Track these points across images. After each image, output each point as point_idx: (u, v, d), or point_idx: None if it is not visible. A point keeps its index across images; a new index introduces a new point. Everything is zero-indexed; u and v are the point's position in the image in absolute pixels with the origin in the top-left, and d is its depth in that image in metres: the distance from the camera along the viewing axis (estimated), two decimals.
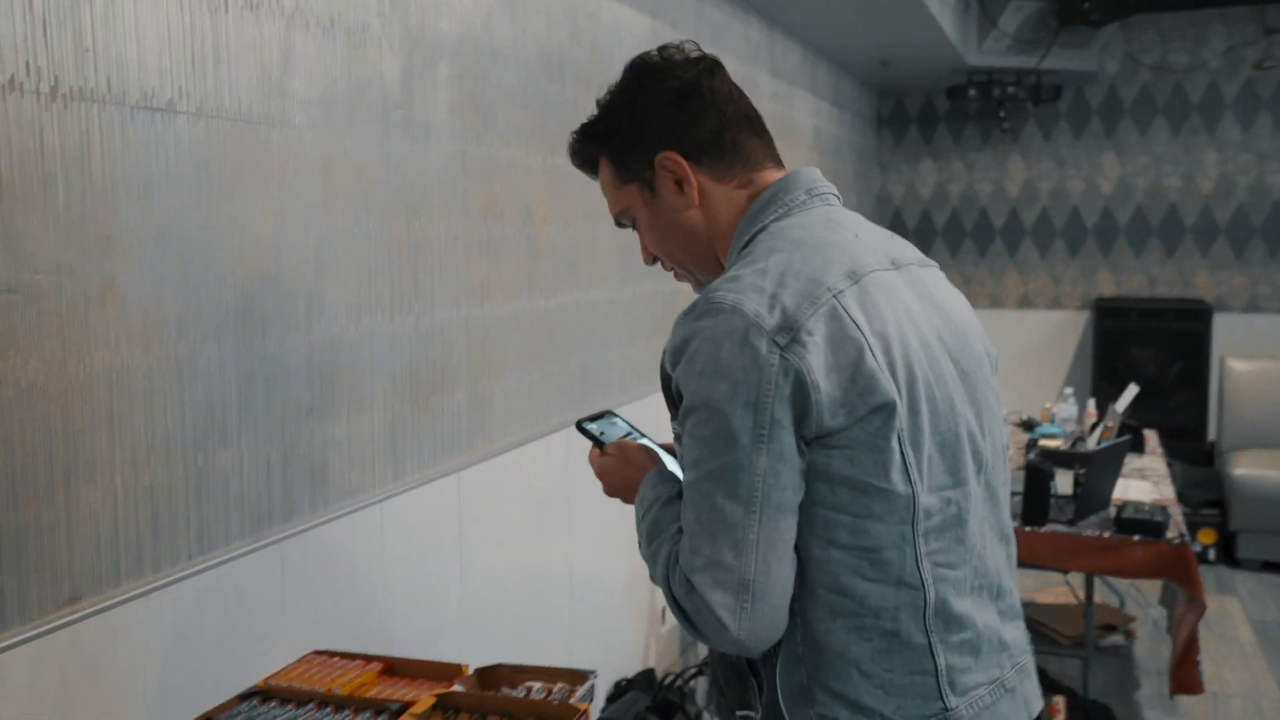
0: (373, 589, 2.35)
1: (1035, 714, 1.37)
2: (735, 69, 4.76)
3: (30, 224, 1.56)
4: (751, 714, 1.35)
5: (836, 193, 1.43)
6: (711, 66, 1.41)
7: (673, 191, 1.40)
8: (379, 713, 1.90)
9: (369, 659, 2.11)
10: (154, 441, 1.80)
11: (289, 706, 1.93)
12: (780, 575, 1.21)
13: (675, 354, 1.27)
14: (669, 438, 1.45)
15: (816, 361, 1.21)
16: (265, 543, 2.05)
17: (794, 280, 1.25)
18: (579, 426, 1.55)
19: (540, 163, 3.08)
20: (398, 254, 2.42)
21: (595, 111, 1.45)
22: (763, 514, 1.19)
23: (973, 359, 1.37)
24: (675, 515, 1.31)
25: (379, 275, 2.35)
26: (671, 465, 1.50)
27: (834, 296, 1.25)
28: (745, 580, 1.19)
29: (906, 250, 1.41)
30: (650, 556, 1.32)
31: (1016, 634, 1.38)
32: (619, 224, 1.49)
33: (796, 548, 1.24)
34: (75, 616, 1.65)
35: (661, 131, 1.38)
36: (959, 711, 1.27)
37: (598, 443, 1.52)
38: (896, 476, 1.23)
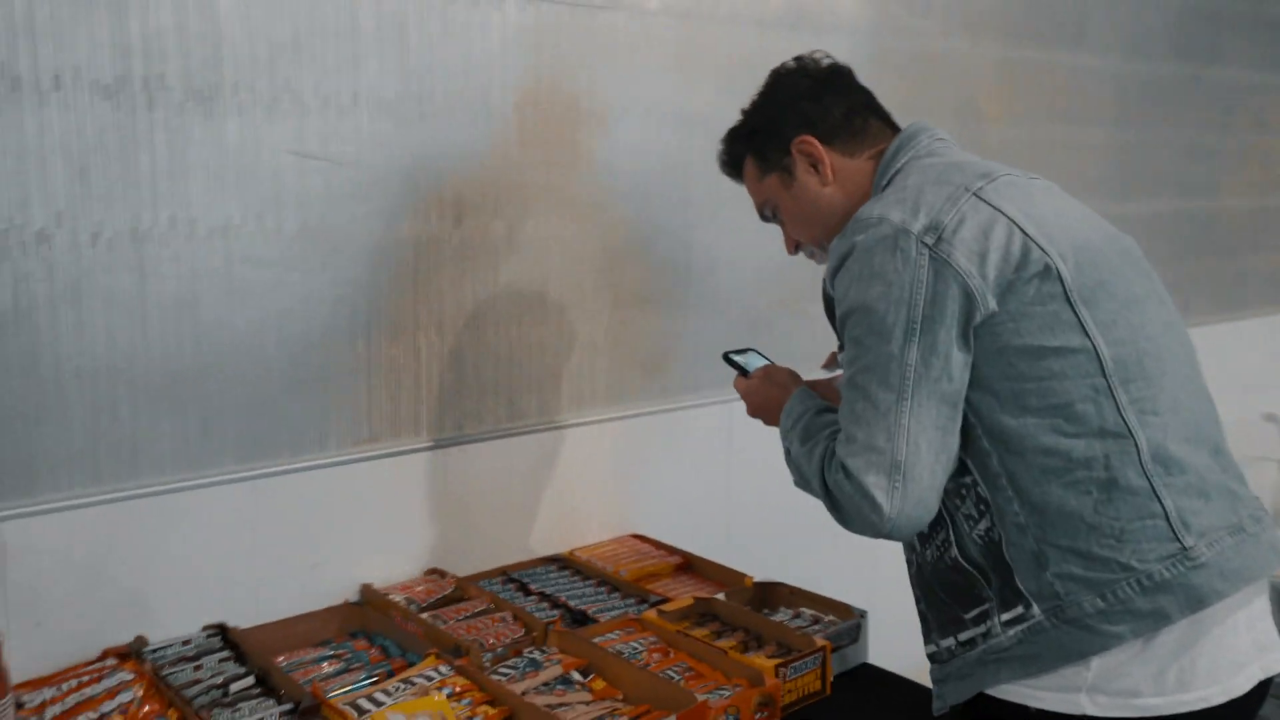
0: (713, 487, 2.34)
1: None
2: None
3: (337, 98, 1.75)
4: (986, 606, 1.36)
5: (951, 137, 1.51)
6: (839, 67, 1.57)
7: (809, 173, 1.51)
8: (641, 601, 1.91)
9: (673, 551, 2.13)
10: (462, 308, 1.95)
11: (576, 578, 2.02)
12: (930, 459, 1.28)
13: (833, 271, 1.38)
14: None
15: (966, 252, 1.29)
16: (586, 421, 2.13)
17: (932, 188, 1.35)
18: (725, 357, 1.70)
19: (993, 54, 2.75)
20: None
21: (740, 117, 1.60)
22: (914, 401, 1.27)
23: (1126, 240, 1.42)
24: (826, 424, 1.42)
25: None
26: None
27: (973, 193, 1.33)
28: (897, 462, 1.27)
29: (1027, 173, 1.46)
30: (804, 454, 1.39)
31: (1243, 489, 1.38)
32: (763, 217, 1.61)
33: (994, 427, 1.31)
34: (372, 454, 1.88)
35: (797, 121, 1.51)
36: (1198, 550, 1.29)
37: (742, 370, 1.66)
38: (1069, 334, 1.29)
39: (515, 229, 1.99)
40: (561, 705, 1.54)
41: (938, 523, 1.39)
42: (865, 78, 2.55)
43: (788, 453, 1.47)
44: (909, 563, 1.48)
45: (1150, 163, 3.23)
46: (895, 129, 1.54)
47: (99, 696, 1.49)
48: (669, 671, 1.66)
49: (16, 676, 1.43)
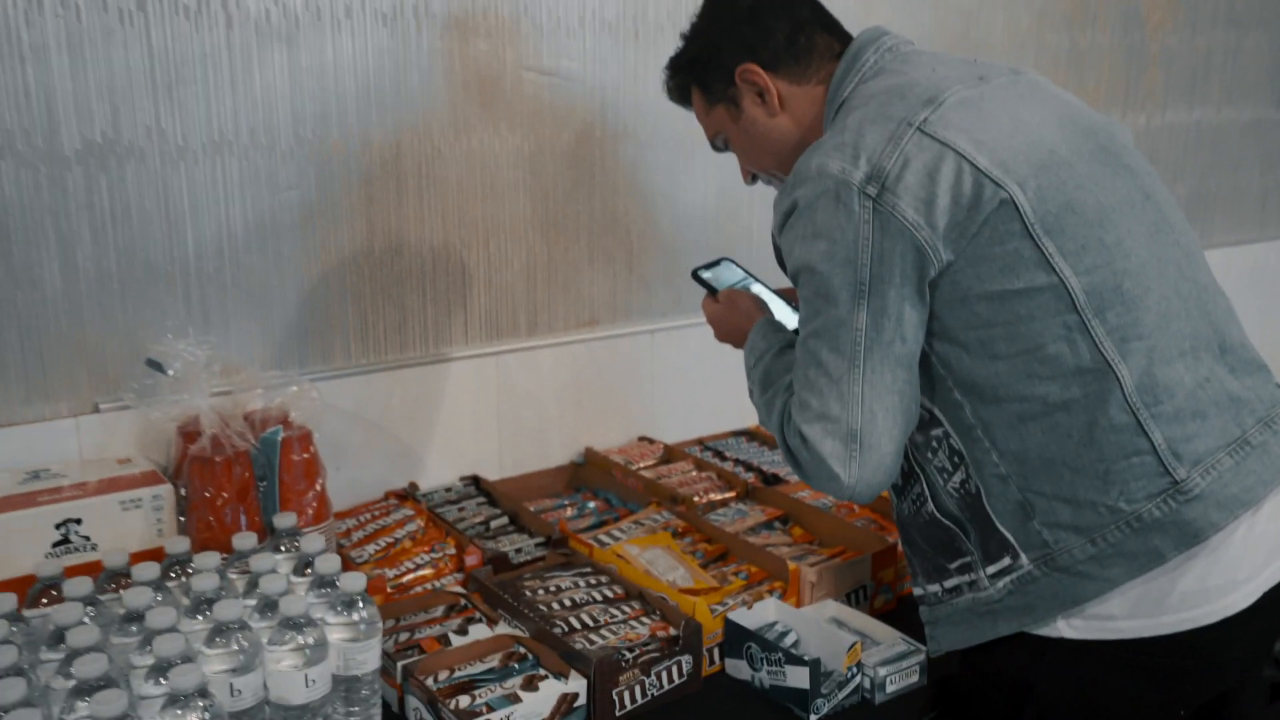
0: None
1: None
2: None
3: (567, 20, 1.91)
4: (968, 559, 1.27)
5: (908, 40, 1.35)
6: None
7: (755, 104, 1.37)
8: None
9: None
10: (676, 205, 2.10)
11: (764, 448, 2.19)
12: (887, 424, 1.19)
13: (779, 227, 1.27)
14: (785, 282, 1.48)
15: (913, 201, 1.16)
16: None
17: (871, 128, 1.19)
18: (694, 274, 1.57)
19: None
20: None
21: (680, 44, 1.45)
22: (867, 367, 1.18)
23: (1105, 133, 1.26)
24: (787, 366, 1.32)
25: None
26: (780, 313, 1.49)
27: (915, 127, 1.18)
28: (852, 430, 1.19)
29: (994, 67, 1.30)
30: (764, 404, 1.33)
31: (1256, 386, 1.24)
32: (715, 148, 1.48)
33: (964, 377, 1.20)
34: (592, 337, 2.07)
35: (737, 48, 1.36)
36: (1192, 481, 1.16)
37: (711, 290, 1.54)
38: (1033, 273, 1.16)
39: None
40: (768, 545, 1.72)
41: (911, 477, 1.30)
42: None
43: (751, 393, 1.38)
44: (893, 508, 1.40)
45: None
46: (846, 40, 1.37)
47: (390, 526, 1.73)
48: (858, 523, 1.82)
49: None
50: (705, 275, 1.56)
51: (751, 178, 1.48)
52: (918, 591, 1.37)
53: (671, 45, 2.00)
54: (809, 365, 1.22)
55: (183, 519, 1.48)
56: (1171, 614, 1.19)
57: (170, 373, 1.45)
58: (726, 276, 1.56)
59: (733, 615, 1.47)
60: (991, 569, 1.24)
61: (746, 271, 1.58)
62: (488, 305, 1.94)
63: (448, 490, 1.90)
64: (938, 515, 1.29)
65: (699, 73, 1.41)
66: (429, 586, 1.58)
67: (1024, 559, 1.22)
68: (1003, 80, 1.27)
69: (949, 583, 1.30)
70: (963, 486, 1.25)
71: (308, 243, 1.72)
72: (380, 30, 1.72)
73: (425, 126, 1.80)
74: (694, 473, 2.00)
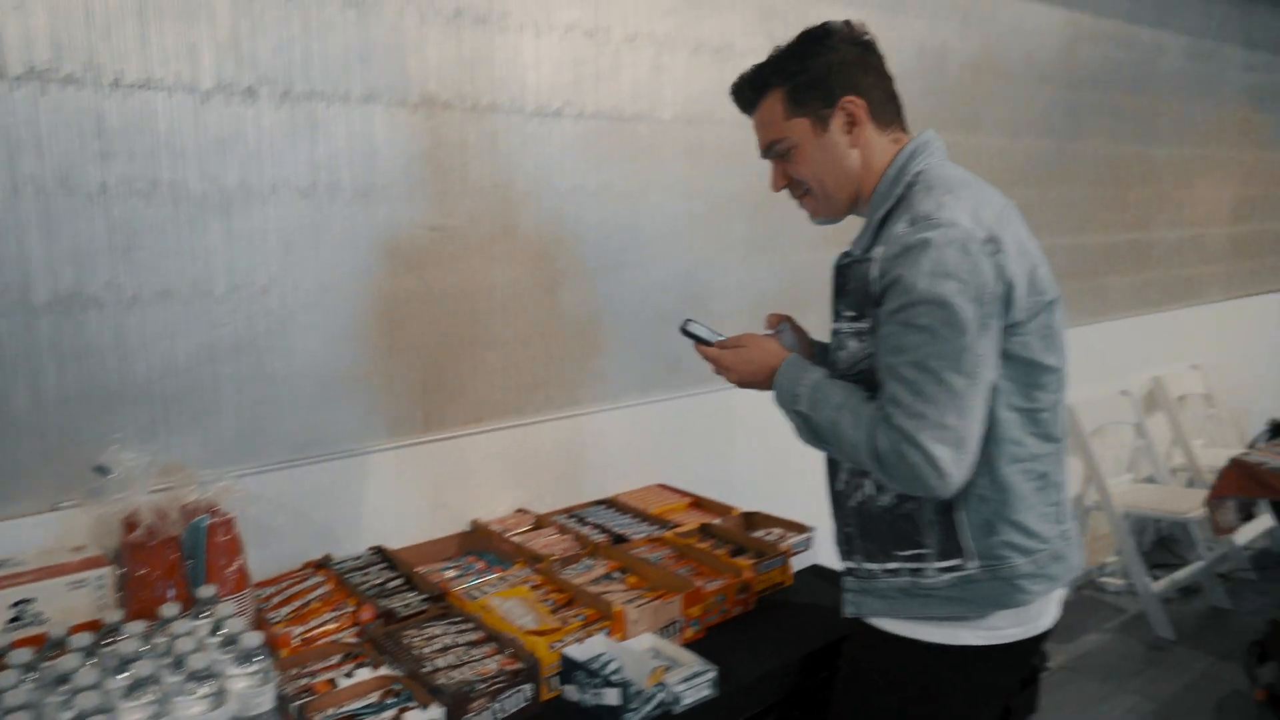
0: (714, 449, 2.54)
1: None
2: (1186, 45, 3.93)
3: (451, 189, 1.99)
4: (922, 552, 1.31)
5: None
6: (877, 48, 1.37)
7: (842, 131, 1.34)
8: (663, 527, 2.12)
9: (685, 495, 2.33)
10: (538, 328, 2.17)
11: (617, 513, 2.23)
12: (980, 432, 1.25)
13: (895, 259, 1.23)
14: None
15: (1014, 267, 1.25)
16: (627, 405, 2.34)
17: (982, 205, 1.26)
18: (683, 330, 1.51)
19: None
20: (757, 211, 2.53)
21: (778, 52, 1.37)
22: (979, 385, 1.22)
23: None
24: (844, 389, 1.30)
25: (736, 226, 2.49)
26: None
27: (1008, 218, 1.29)
28: (963, 438, 1.21)
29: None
30: (840, 423, 1.28)
31: None
32: (766, 153, 1.41)
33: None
34: (478, 431, 2.10)
35: (847, 80, 1.33)
36: (1069, 530, 1.37)
37: (704, 341, 1.49)
38: (1056, 356, 1.30)
39: (574, 267, 2.21)
40: (607, 592, 1.76)
41: None
42: None
43: (803, 416, 1.33)
44: (842, 494, 1.40)
45: (1030, 212, 3.37)
46: (904, 124, 1.38)
47: (304, 590, 1.73)
48: (680, 571, 1.87)
49: None
50: (693, 329, 1.49)
51: (783, 187, 1.41)
52: (849, 565, 1.39)
53: (539, 201, 2.09)
54: (928, 383, 1.20)
55: (122, 594, 1.47)
56: (1033, 621, 1.34)
57: (113, 476, 1.45)
58: (700, 329, 1.50)
59: (567, 650, 1.50)
60: (943, 564, 1.30)
61: (708, 327, 1.52)
62: (392, 409, 1.97)
63: (356, 559, 1.90)
64: (914, 514, 1.31)
65: (800, 84, 1.34)
66: (333, 639, 1.58)
67: (973, 564, 1.29)
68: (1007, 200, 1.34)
69: (890, 565, 1.33)
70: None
71: (239, 368, 1.74)
72: (300, 202, 1.77)
73: (339, 272, 1.84)
74: (555, 536, 2.04)
